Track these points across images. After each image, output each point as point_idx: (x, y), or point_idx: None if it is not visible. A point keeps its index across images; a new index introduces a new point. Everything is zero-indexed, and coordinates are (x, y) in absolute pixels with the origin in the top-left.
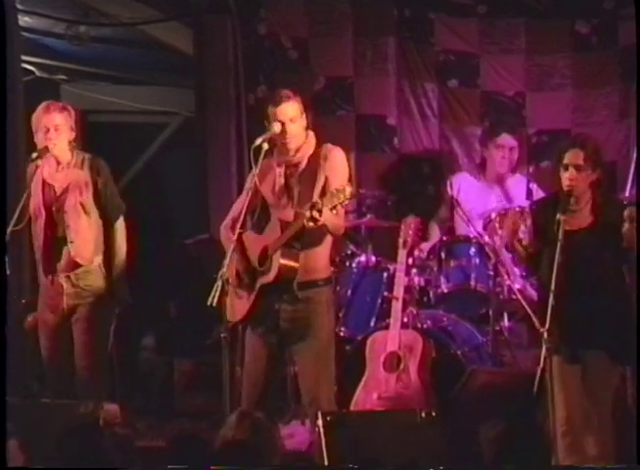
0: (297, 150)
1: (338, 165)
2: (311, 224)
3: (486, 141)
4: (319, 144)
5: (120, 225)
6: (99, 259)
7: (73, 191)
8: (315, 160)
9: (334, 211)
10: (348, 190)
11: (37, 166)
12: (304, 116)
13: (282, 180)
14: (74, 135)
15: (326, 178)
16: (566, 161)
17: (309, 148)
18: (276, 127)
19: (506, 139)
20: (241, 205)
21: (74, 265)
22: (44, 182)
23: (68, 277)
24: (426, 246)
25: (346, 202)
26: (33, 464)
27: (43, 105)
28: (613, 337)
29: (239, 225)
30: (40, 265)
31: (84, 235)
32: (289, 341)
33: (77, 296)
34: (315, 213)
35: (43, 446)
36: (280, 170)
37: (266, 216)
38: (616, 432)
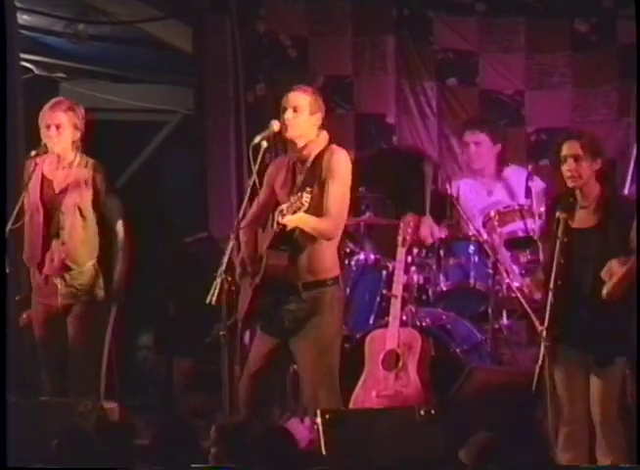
0: (305, 146)
1: (338, 168)
2: (277, 229)
3: (460, 142)
4: (329, 144)
5: (120, 228)
6: (93, 261)
7: (72, 192)
8: (319, 160)
9: (299, 214)
10: (305, 197)
11: (36, 164)
12: (319, 115)
13: (289, 176)
14: (79, 135)
15: (324, 180)
16: (563, 152)
17: (318, 147)
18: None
19: (468, 135)
20: (261, 204)
21: (66, 267)
22: (43, 177)
23: (63, 277)
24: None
25: (302, 209)
26: (33, 464)
27: (51, 101)
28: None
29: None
30: (34, 263)
31: (78, 238)
32: (292, 339)
33: (72, 295)
34: (280, 219)
35: (43, 446)
36: (289, 166)
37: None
38: (618, 432)
